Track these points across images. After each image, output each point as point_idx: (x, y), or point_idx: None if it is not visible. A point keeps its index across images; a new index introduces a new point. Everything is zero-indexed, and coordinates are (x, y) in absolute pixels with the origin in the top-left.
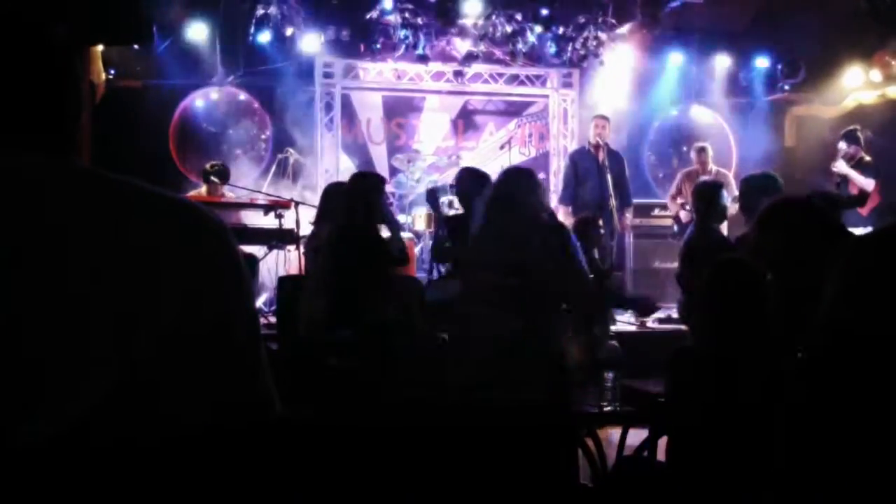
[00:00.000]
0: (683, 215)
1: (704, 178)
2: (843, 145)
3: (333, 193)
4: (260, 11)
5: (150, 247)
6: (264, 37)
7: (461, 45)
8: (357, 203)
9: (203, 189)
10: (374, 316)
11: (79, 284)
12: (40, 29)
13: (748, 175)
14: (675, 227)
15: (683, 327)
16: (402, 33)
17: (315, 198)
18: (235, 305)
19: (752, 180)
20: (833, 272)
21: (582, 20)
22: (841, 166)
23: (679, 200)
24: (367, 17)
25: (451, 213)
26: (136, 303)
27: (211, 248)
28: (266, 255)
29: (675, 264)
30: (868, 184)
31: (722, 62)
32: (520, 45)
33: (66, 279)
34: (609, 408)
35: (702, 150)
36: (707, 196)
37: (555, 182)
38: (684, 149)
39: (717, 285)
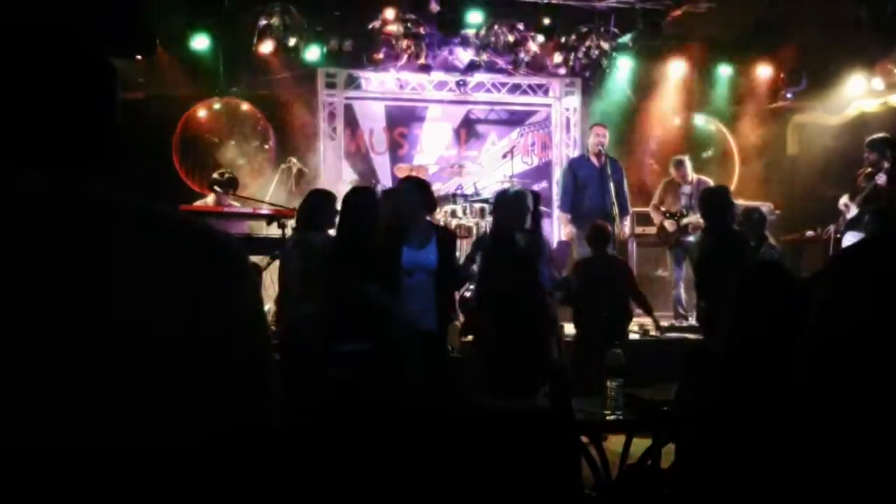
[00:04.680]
0: (668, 224)
1: (712, 185)
2: (868, 155)
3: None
4: (262, 22)
5: (153, 269)
6: (267, 47)
7: (463, 55)
8: (365, 216)
9: (210, 198)
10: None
11: (73, 302)
12: (44, 46)
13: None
14: (663, 236)
15: (687, 336)
16: (404, 43)
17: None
18: (238, 327)
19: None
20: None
21: (584, 29)
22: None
23: (663, 209)
24: (370, 27)
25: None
26: (133, 321)
27: (215, 273)
28: (269, 264)
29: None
30: None
31: (724, 71)
32: (522, 55)
33: (57, 297)
34: (613, 416)
35: (679, 164)
36: (718, 202)
37: (557, 191)
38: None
39: (749, 289)
